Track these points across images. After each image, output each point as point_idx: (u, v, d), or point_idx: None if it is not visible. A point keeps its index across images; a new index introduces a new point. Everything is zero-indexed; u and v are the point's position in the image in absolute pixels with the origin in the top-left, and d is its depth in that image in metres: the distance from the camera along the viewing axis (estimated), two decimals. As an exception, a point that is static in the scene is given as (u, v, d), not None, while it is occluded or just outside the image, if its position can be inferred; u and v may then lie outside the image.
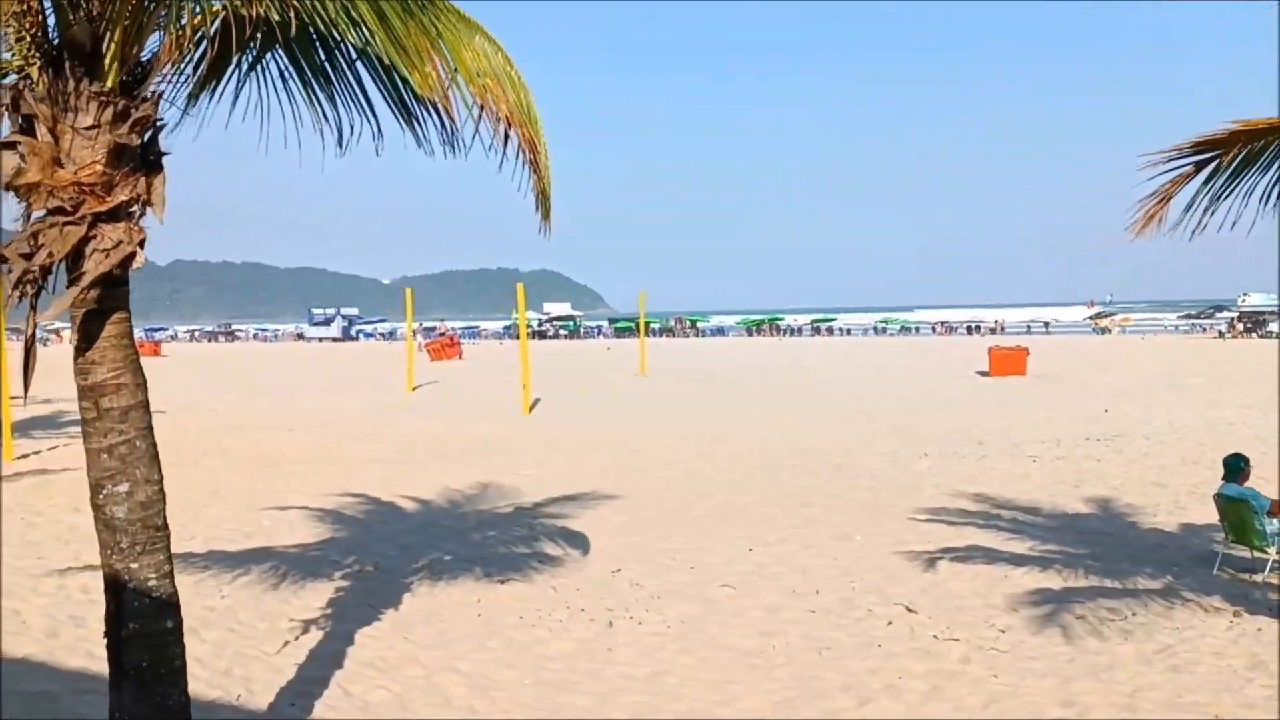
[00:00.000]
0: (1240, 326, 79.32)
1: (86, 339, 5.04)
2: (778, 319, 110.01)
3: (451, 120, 5.72)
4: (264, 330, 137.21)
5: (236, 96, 5.92)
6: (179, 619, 5.33)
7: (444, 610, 9.85)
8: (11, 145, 4.88)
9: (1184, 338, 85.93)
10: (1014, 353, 43.27)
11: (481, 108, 5.66)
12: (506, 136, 5.80)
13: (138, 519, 5.11)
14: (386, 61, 5.56)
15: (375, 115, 5.98)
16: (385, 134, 6.05)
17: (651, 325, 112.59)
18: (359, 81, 5.90)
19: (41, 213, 4.94)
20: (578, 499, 15.41)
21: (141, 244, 4.99)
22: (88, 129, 4.90)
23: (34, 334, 5.11)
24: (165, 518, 5.31)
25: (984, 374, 42.48)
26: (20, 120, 4.91)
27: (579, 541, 12.52)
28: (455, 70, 5.51)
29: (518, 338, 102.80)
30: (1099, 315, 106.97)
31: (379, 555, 11.87)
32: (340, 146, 5.99)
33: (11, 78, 4.98)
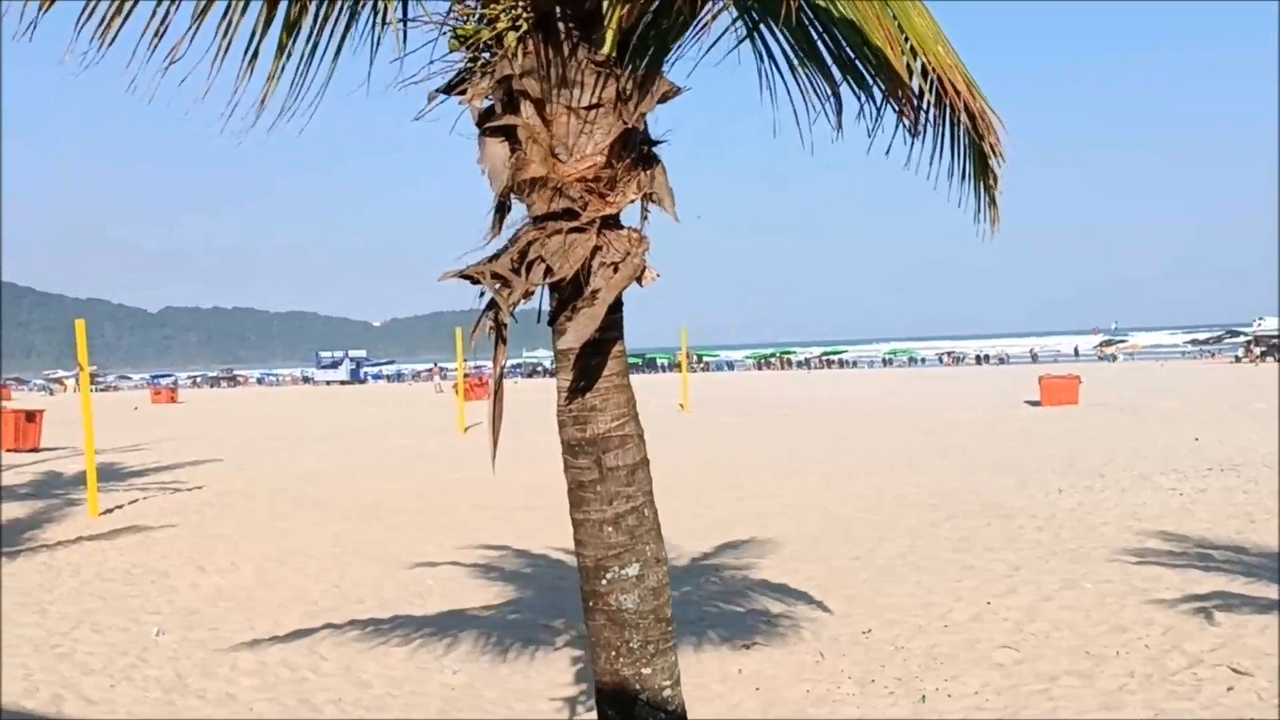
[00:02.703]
0: (1258, 351, 78.57)
1: (584, 377, 3.96)
2: (789, 352, 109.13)
3: (906, 97, 4.60)
4: (269, 375, 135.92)
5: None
6: None
7: (709, 681, 8.74)
8: (501, 131, 3.83)
9: (1198, 363, 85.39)
10: (1067, 381, 42.43)
11: (939, 80, 4.56)
12: (952, 115, 4.71)
13: (650, 610, 4.05)
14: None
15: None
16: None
17: (658, 360, 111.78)
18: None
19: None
20: (739, 547, 14.33)
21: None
22: (587, 109, 3.85)
23: (503, 373, 4.05)
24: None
25: (1034, 403, 41.66)
26: (502, 98, 3.87)
27: (794, 595, 11.43)
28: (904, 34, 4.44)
29: (529, 376, 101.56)
30: (1106, 343, 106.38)
31: (580, 617, 10.73)
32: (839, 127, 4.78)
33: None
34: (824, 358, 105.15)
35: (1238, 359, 79.48)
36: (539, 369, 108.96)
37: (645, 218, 4.01)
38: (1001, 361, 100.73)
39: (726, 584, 12.16)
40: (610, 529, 3.99)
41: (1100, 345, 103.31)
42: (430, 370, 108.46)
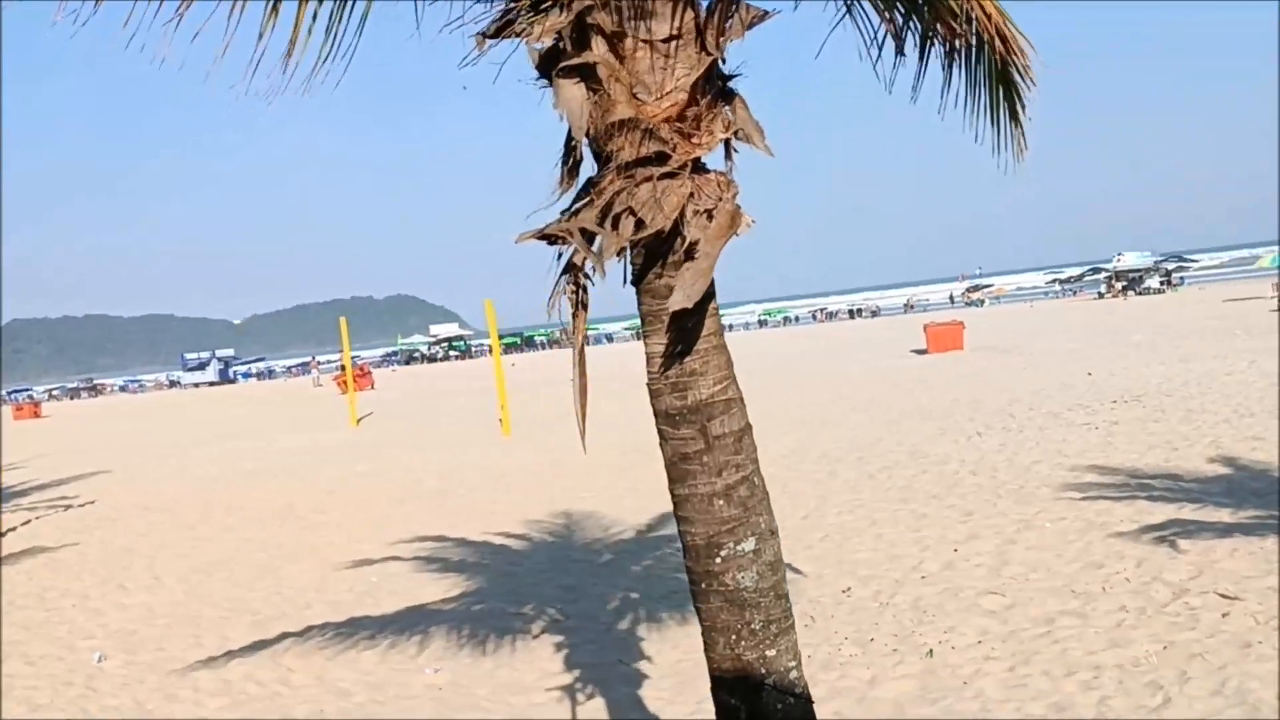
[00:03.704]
0: (1119, 286, 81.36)
1: (681, 340, 3.58)
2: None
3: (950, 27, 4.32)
4: (133, 381, 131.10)
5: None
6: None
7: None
8: (576, 71, 3.41)
9: (1063, 301, 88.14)
10: (952, 328, 43.22)
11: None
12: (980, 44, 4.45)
13: (769, 587, 3.70)
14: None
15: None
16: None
17: (535, 337, 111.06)
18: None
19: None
20: (683, 516, 14.05)
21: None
22: (665, 41, 3.47)
23: (584, 347, 3.65)
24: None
25: (920, 351, 42.37)
26: (571, 35, 3.46)
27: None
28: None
29: (407, 364, 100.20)
30: (973, 288, 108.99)
31: (549, 601, 10.37)
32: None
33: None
34: (761, 318, 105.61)
35: (1100, 295, 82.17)
36: (416, 355, 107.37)
37: (730, 158, 3.65)
38: (874, 314, 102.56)
39: (686, 555, 11.87)
40: (721, 502, 3.63)
41: (966, 291, 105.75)
42: (308, 364, 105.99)
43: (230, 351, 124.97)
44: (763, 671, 3.67)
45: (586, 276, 3.56)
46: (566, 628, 9.46)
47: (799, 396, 29.00)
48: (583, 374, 3.65)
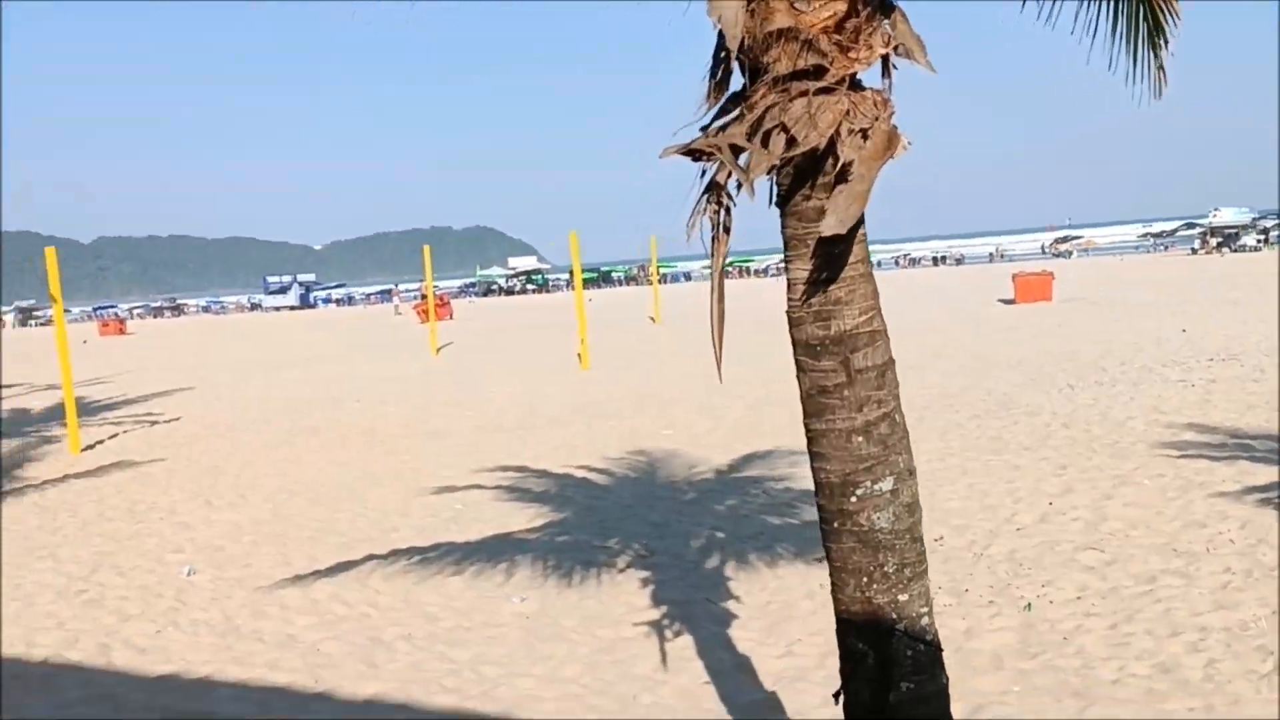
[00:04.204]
0: (1214, 242, 79.00)
1: (827, 267, 3.37)
2: (748, 261, 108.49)
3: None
4: (215, 302, 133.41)
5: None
6: (946, 672, 3.74)
7: (795, 599, 8.30)
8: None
9: (1154, 256, 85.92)
10: (1041, 278, 42.36)
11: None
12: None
13: (905, 529, 3.52)
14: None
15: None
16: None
17: (613, 273, 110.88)
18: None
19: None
20: (766, 458, 13.89)
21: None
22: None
23: (724, 272, 3.47)
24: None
25: (1008, 301, 41.59)
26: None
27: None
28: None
29: (484, 295, 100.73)
30: (1061, 239, 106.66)
31: (634, 536, 10.29)
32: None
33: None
34: (779, 265, 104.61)
35: (1194, 251, 79.96)
36: (494, 287, 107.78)
37: (888, 75, 3.41)
38: (959, 262, 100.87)
39: (772, 496, 11.71)
40: (860, 439, 3.44)
41: (1054, 242, 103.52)
42: (388, 291, 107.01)
43: (311, 276, 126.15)
44: (893, 616, 3.50)
45: (729, 196, 3.37)
46: (652, 564, 9.36)
47: (899, 343, 28.55)
48: (720, 300, 3.47)
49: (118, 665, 7.65)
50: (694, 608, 8.13)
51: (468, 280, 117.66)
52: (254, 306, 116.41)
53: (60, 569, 10.58)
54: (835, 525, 3.56)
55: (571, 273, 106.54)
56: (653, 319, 44.69)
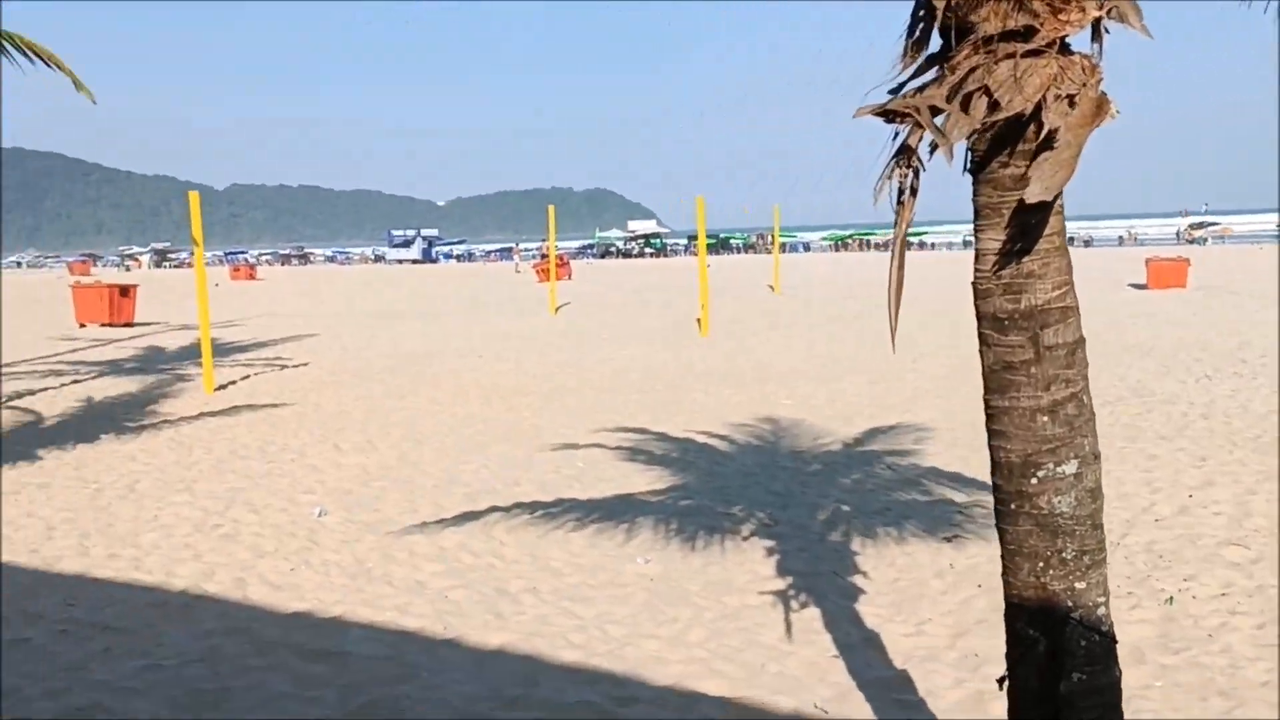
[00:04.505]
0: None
1: (1021, 238, 3.24)
2: (869, 234, 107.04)
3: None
4: (340, 253, 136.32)
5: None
6: (1119, 665, 3.61)
7: (925, 576, 8.13)
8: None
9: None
10: (1176, 264, 41.00)
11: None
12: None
13: (1087, 515, 3.37)
14: None
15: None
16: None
17: (731, 240, 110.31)
18: None
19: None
20: (889, 433, 13.67)
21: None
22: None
23: (904, 241, 3.35)
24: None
25: (1140, 286, 40.35)
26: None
27: (974, 485, 10.74)
28: None
29: (602, 257, 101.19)
30: (1196, 225, 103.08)
31: (758, 505, 10.21)
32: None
33: None
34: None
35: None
36: (612, 250, 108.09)
37: (1099, 39, 3.24)
38: (1086, 244, 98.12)
39: (898, 472, 11.52)
40: (1045, 419, 3.31)
41: (1189, 228, 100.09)
42: (509, 249, 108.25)
43: (435, 232, 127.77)
44: (1069, 604, 3.37)
45: (920, 161, 3.25)
46: (777, 533, 9.27)
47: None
48: (900, 266, 3.35)
49: (253, 600, 7.84)
50: (820, 580, 8.03)
51: (586, 241, 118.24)
52: (378, 259, 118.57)
53: (196, 503, 10.90)
54: (1012, 507, 3.43)
55: (690, 238, 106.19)
56: (772, 288, 44.35)
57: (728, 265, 73.88)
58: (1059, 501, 3.32)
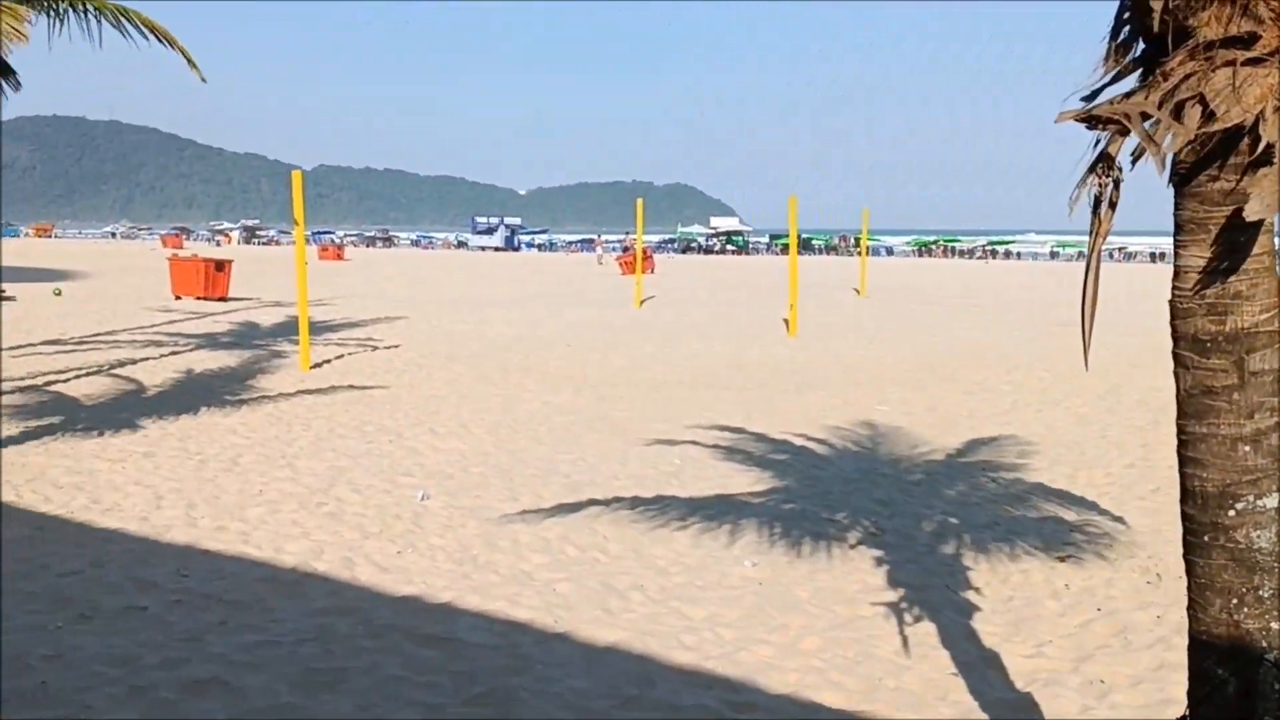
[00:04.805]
0: None
1: (1227, 256, 3.08)
2: (954, 240, 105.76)
3: None
4: (424, 237, 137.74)
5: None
6: None
7: (1039, 596, 7.93)
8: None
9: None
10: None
11: None
12: None
13: (1288, 550, 3.21)
14: None
15: None
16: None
17: (813, 241, 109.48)
18: None
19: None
20: (992, 445, 13.40)
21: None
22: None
23: (1100, 251, 3.20)
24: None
25: None
26: None
27: (1082, 503, 10.53)
28: None
29: (683, 252, 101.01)
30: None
31: (863, 512, 10.04)
32: None
33: None
34: (988, 247, 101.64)
35: None
36: (693, 245, 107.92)
37: None
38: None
39: (1003, 486, 11.28)
40: (1247, 448, 3.15)
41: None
42: (590, 241, 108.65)
43: (518, 220, 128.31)
44: (1264, 644, 3.20)
45: (1119, 171, 3.11)
46: (883, 543, 9.11)
47: (1104, 337, 27.24)
48: (1095, 278, 3.20)
49: (361, 580, 7.87)
50: (932, 593, 7.86)
51: (667, 236, 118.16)
52: (460, 244, 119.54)
53: (299, 479, 11.00)
54: (1205, 539, 3.27)
55: (772, 236, 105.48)
56: (857, 291, 43.90)
57: (810, 266, 73.24)
58: (1258, 536, 3.16)
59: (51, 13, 14.80)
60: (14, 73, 16.57)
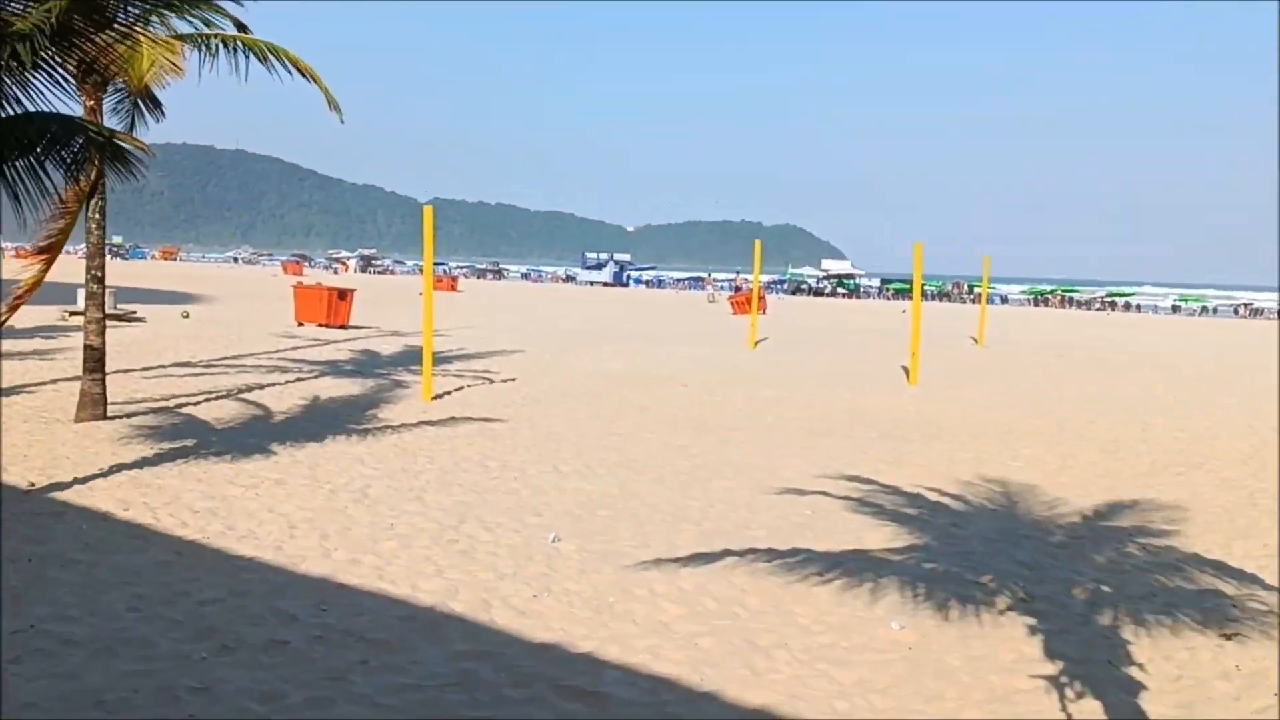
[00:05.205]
0: None
1: None
2: (1072, 290, 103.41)
3: None
4: (534, 270, 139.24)
5: None
6: None
7: (1207, 677, 7.46)
8: None
9: None
10: None
11: None
12: None
13: None
14: None
15: None
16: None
17: (924, 287, 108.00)
18: None
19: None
20: (1135, 509, 12.83)
21: None
22: None
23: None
24: None
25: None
26: None
27: (1241, 576, 9.95)
28: None
29: (793, 293, 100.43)
30: None
31: (1009, 575, 9.63)
32: None
33: None
34: (1106, 299, 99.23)
35: None
36: (803, 286, 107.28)
37: None
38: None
39: (1153, 554, 10.74)
40: None
41: None
42: (700, 279, 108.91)
43: (627, 256, 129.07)
44: None
45: None
46: (1035, 610, 8.69)
47: (1239, 393, 26.19)
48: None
49: (499, 624, 7.73)
50: (1093, 668, 7.44)
51: (776, 276, 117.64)
52: (569, 278, 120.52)
53: (428, 514, 10.96)
54: None
55: (884, 281, 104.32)
56: (975, 340, 43.01)
57: (922, 312, 72.29)
58: None
59: (204, 48, 15.22)
60: (160, 105, 17.09)
